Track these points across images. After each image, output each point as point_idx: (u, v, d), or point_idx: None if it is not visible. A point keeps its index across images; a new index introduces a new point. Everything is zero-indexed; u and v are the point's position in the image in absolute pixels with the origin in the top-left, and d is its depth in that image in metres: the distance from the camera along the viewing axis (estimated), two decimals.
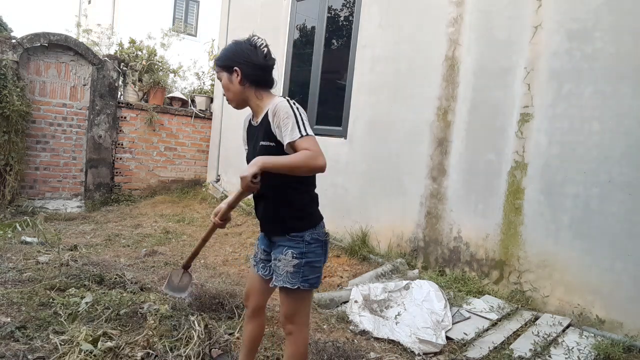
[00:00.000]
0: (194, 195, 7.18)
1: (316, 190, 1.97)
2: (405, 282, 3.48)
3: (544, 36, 3.49)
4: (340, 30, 5.43)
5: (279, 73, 5.81)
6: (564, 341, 2.95)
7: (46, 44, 6.05)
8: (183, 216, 6.13)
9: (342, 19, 5.41)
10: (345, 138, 5.04)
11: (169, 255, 4.42)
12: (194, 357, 2.37)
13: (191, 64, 8.24)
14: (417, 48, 4.38)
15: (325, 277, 4.01)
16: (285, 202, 1.86)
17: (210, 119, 7.72)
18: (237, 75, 1.84)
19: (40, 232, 4.28)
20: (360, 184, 4.88)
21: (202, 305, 3.05)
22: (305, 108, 5.95)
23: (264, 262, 2.03)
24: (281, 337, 2.77)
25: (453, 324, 3.11)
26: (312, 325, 2.99)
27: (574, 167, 3.30)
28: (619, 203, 3.08)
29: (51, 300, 2.87)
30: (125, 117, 6.90)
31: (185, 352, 2.39)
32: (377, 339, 2.98)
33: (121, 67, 6.89)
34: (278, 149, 1.77)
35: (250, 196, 1.88)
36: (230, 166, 6.98)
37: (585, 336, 3.00)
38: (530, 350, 2.83)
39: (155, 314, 2.68)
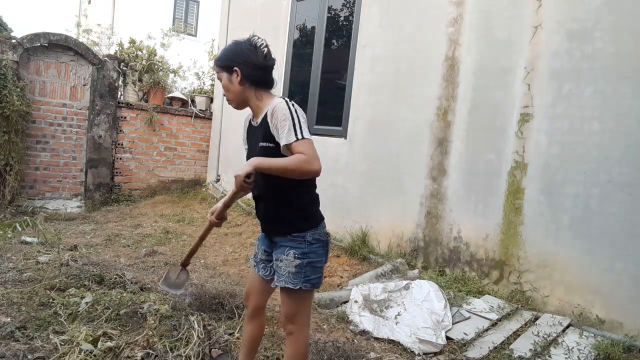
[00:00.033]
0: (194, 195, 7.18)
1: (316, 191, 1.97)
2: (405, 282, 3.48)
3: (544, 36, 3.49)
4: (340, 30, 5.43)
5: (279, 73, 5.81)
6: (564, 341, 2.95)
7: (46, 44, 6.05)
8: (183, 216, 6.14)
9: (342, 19, 5.41)
10: (345, 138, 5.04)
11: (169, 255, 4.42)
12: (194, 357, 2.38)
13: (191, 64, 8.24)
14: (417, 48, 4.38)
15: (325, 277, 4.00)
16: (286, 202, 1.86)
17: (210, 119, 7.72)
18: (237, 75, 1.84)
19: (40, 232, 4.28)
20: (360, 184, 4.88)
21: (202, 305, 3.05)
22: (305, 108, 5.91)
23: (264, 262, 2.03)
24: (281, 337, 2.77)
25: (453, 324, 3.11)
26: (312, 325, 2.99)
27: (574, 167, 3.30)
28: (619, 203, 3.08)
29: (51, 300, 2.87)
30: (125, 117, 6.90)
31: (185, 352, 2.39)
32: (377, 339, 2.98)
33: (121, 67, 6.89)
34: (277, 150, 1.77)
35: (250, 196, 1.88)
36: (230, 166, 6.98)
37: (585, 336, 3.00)
38: (530, 350, 2.83)
39: (155, 314, 2.69)
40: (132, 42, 7.34)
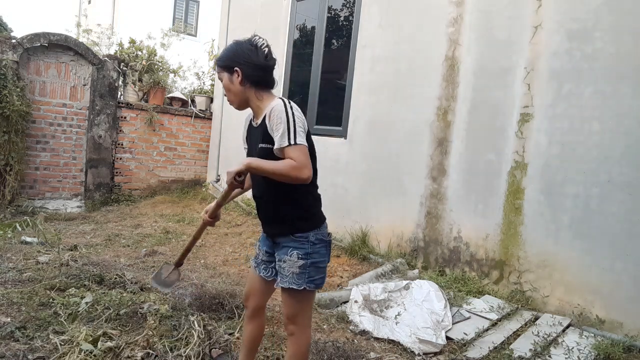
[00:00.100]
0: (194, 195, 7.18)
1: (318, 191, 1.97)
2: (405, 282, 3.48)
3: (544, 36, 3.49)
4: (340, 30, 5.43)
5: (279, 73, 5.81)
6: (564, 341, 2.95)
7: (46, 44, 6.05)
8: (183, 216, 6.13)
9: (342, 19, 5.41)
10: (345, 138, 5.04)
11: (169, 255, 4.42)
12: (194, 357, 2.38)
13: (191, 64, 8.24)
14: (417, 48, 4.38)
15: None
16: (287, 202, 1.86)
17: (210, 119, 7.72)
18: (238, 75, 1.84)
19: (40, 232, 4.28)
20: (360, 184, 4.88)
21: (202, 305, 3.05)
22: (305, 108, 5.91)
23: (265, 263, 2.02)
24: (281, 337, 2.77)
25: (453, 324, 3.11)
26: (312, 325, 2.99)
27: (574, 167, 3.30)
28: (619, 203, 3.08)
29: (51, 300, 2.87)
30: (125, 117, 6.90)
31: (185, 352, 2.39)
32: (377, 339, 2.98)
33: (121, 67, 6.89)
34: None
35: (250, 195, 1.88)
36: (230, 166, 6.96)
37: (585, 336, 3.00)
38: (530, 350, 2.83)
39: (155, 314, 2.69)
40: (132, 42, 7.34)
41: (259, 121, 1.87)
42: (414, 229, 4.32)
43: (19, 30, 15.81)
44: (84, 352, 2.22)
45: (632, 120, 3.04)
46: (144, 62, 7.00)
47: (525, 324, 3.18)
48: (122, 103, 6.87)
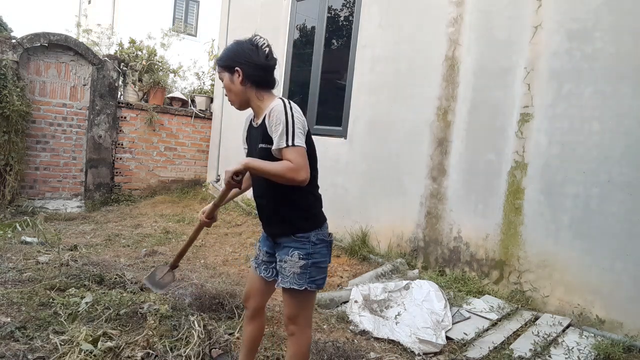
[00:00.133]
0: (194, 195, 7.18)
1: (319, 191, 1.97)
2: (405, 282, 3.48)
3: (544, 36, 3.49)
4: (340, 30, 5.43)
5: (279, 73, 5.80)
6: (564, 341, 2.95)
7: (46, 44, 6.05)
8: (183, 216, 6.13)
9: (342, 19, 5.41)
10: (345, 138, 5.04)
11: (169, 255, 4.42)
12: (194, 357, 2.38)
13: (191, 64, 8.24)
14: (417, 48, 4.38)
15: None
16: (288, 202, 1.85)
17: (210, 119, 7.72)
18: (239, 75, 1.83)
19: (40, 232, 4.28)
20: (360, 184, 4.88)
21: (202, 305, 3.05)
22: (305, 108, 5.91)
23: (266, 263, 2.02)
24: (281, 337, 2.77)
25: (453, 324, 3.11)
26: (313, 325, 2.99)
27: (574, 167, 3.30)
28: (619, 203, 3.08)
29: (51, 300, 2.87)
30: (125, 117, 6.90)
31: (185, 352, 2.39)
32: (377, 339, 2.98)
33: (121, 67, 6.89)
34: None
35: (250, 195, 1.88)
36: (230, 166, 6.97)
37: (585, 336, 3.00)
38: (530, 350, 2.83)
39: (155, 314, 2.69)
40: (132, 42, 7.34)
41: (259, 121, 1.87)
42: (414, 229, 4.32)
43: (19, 30, 15.82)
44: (84, 352, 2.22)
45: (632, 120, 3.04)
46: (144, 62, 7.00)
47: (525, 324, 3.18)
48: (122, 103, 6.87)
